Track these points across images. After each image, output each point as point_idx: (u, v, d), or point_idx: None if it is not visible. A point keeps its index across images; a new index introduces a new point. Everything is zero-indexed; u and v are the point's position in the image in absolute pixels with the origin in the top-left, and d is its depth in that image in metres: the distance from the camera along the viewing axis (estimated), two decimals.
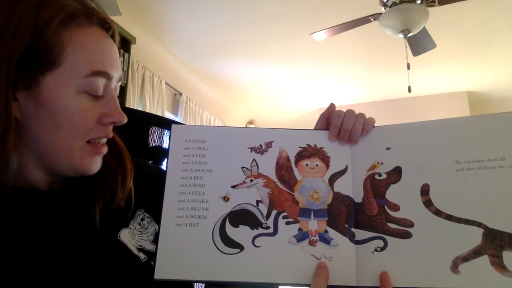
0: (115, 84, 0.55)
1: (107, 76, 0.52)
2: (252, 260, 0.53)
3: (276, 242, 0.54)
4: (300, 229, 0.54)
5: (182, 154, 0.57)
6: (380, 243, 0.53)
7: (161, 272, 0.52)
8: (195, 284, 0.73)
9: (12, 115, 0.48)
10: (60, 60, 0.49)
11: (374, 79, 4.01)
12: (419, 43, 2.76)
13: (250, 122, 5.08)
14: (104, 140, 0.55)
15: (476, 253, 0.50)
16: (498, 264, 0.48)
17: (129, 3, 2.69)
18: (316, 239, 0.54)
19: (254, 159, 0.57)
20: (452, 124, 0.56)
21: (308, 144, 0.59)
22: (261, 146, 0.58)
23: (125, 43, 2.70)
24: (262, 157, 0.58)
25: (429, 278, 0.50)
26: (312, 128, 0.63)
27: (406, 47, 2.75)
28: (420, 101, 4.30)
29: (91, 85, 0.51)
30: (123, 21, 2.67)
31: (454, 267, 0.50)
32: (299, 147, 0.58)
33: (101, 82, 0.51)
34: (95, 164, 0.55)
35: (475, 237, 0.50)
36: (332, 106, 0.62)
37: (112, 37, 0.55)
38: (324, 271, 0.52)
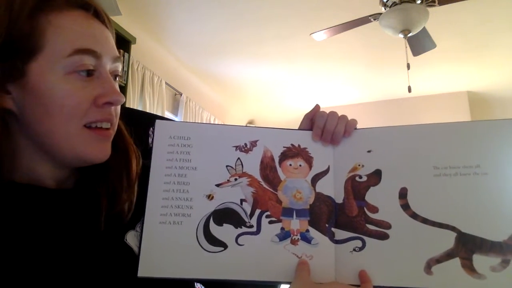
0: (110, 66, 0.53)
1: (94, 54, 0.50)
2: (235, 258, 0.54)
3: (259, 241, 0.54)
4: (282, 228, 0.55)
5: (167, 151, 0.57)
6: (358, 243, 0.54)
7: (144, 270, 0.52)
8: (196, 284, 0.73)
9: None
10: (41, 46, 0.48)
11: (374, 79, 4.00)
12: (419, 43, 2.75)
13: (250, 122, 5.08)
14: (107, 124, 0.53)
15: (448, 255, 0.51)
16: (468, 267, 0.50)
17: (129, 3, 2.70)
18: (298, 238, 0.55)
19: (239, 158, 0.58)
20: (431, 130, 0.57)
21: (292, 144, 0.59)
22: (246, 144, 0.58)
23: (125, 43, 2.69)
24: (246, 156, 0.58)
25: (404, 278, 0.52)
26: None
27: (406, 47, 2.74)
28: (420, 101, 4.29)
29: (76, 64, 0.49)
30: (123, 21, 2.69)
31: (428, 268, 0.51)
32: (284, 147, 0.59)
33: (87, 60, 0.50)
34: (100, 150, 0.52)
35: (448, 240, 0.52)
36: (317, 107, 0.62)
37: (101, 19, 0.53)
38: (306, 267, 0.53)
